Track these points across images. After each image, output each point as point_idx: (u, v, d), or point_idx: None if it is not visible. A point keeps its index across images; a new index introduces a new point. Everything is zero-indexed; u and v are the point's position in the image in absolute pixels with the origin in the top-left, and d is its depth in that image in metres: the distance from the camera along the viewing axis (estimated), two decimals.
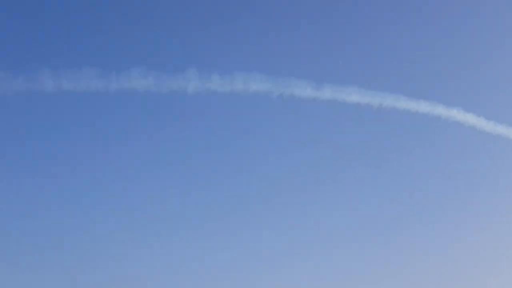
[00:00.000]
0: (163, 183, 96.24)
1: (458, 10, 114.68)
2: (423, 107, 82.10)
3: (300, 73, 77.24)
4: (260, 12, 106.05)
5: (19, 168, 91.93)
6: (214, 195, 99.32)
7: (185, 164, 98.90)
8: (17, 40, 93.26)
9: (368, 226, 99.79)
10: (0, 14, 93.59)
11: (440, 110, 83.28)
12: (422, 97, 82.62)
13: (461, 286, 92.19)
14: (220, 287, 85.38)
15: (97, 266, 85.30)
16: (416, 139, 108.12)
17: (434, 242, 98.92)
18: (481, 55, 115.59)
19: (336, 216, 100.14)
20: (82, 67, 73.31)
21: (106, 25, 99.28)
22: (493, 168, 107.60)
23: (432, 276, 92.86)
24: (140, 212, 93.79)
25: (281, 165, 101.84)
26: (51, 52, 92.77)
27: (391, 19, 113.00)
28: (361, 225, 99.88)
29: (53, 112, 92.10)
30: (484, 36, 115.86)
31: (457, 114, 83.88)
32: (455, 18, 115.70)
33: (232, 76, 72.05)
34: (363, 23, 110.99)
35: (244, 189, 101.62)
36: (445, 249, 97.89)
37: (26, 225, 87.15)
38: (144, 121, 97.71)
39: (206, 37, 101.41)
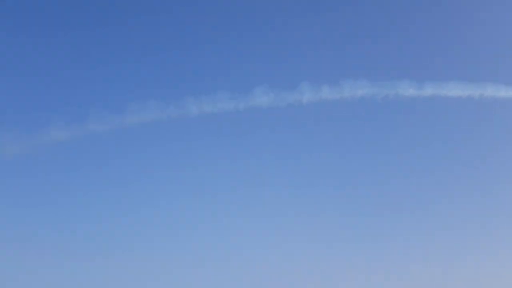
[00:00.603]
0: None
1: None
2: None
3: (401, 74, 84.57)
4: (354, 23, 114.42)
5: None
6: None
7: (310, 168, 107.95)
8: (166, 73, 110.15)
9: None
10: (152, 52, 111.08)
11: None
12: None
13: None
14: None
15: None
16: None
17: None
18: None
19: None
20: (216, 91, 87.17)
21: (232, 53, 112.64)
22: None
23: None
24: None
25: (401, 162, 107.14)
26: (194, 81, 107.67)
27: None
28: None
29: (196, 134, 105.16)
30: None
31: None
32: None
33: (340, 85, 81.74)
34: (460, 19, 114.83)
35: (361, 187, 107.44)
36: None
37: None
38: (266, 134, 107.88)
39: (312, 53, 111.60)
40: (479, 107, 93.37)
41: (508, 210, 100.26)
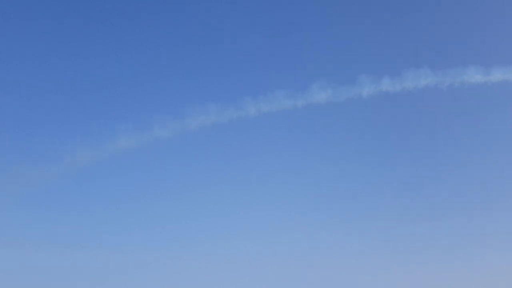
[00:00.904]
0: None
1: None
2: None
3: (466, 60, 79.86)
4: (413, 12, 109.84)
5: None
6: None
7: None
8: (223, 75, 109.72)
9: None
10: (208, 55, 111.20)
11: None
12: None
13: None
14: None
15: None
16: None
17: None
18: None
19: None
20: (273, 90, 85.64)
21: (288, 50, 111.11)
22: None
23: None
24: None
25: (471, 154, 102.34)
26: (250, 80, 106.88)
27: None
28: None
29: (255, 134, 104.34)
30: None
31: None
32: None
33: (401, 75, 78.12)
34: None
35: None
36: None
37: None
38: (326, 131, 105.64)
39: (369, 44, 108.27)
40: None
41: None
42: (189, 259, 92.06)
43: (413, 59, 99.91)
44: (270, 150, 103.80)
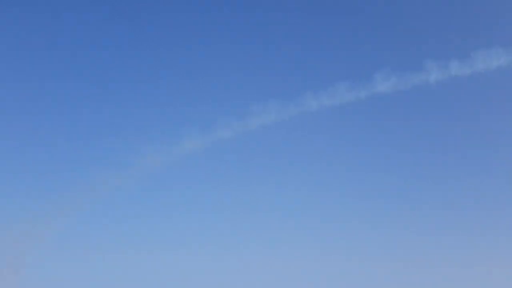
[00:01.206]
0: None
1: None
2: None
3: None
4: None
5: None
6: None
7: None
8: (283, 70, 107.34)
9: None
10: (266, 51, 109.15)
11: None
12: None
13: None
14: None
15: None
16: None
17: None
18: None
19: None
20: (334, 83, 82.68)
21: (348, 39, 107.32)
22: None
23: None
24: None
25: None
26: (310, 74, 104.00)
27: None
28: None
29: (318, 129, 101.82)
30: None
31: None
32: None
33: (470, 57, 73.10)
34: None
35: None
36: None
37: None
38: (392, 121, 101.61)
39: (434, 27, 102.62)
40: None
41: None
42: (270, 257, 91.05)
43: (482, 39, 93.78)
44: (334, 145, 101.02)
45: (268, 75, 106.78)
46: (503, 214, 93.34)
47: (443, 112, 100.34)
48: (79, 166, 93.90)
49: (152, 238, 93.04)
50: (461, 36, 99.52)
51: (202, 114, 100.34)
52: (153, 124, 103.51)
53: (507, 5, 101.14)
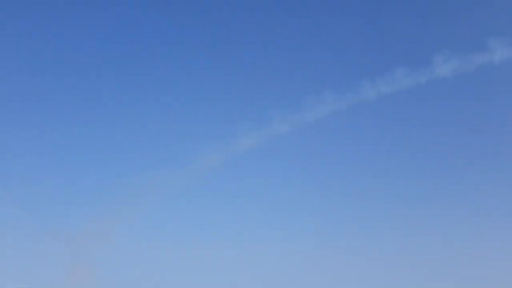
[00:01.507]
0: None
1: None
2: None
3: None
4: None
5: None
6: None
7: None
8: (338, 59, 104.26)
9: None
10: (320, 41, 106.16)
11: None
12: None
13: None
14: None
15: None
16: None
17: None
18: None
19: None
20: (391, 68, 79.37)
21: (404, 21, 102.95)
22: None
23: None
24: None
25: None
26: (366, 61, 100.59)
27: None
28: None
29: (376, 119, 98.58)
30: None
31: None
32: None
33: None
34: None
35: None
36: None
37: None
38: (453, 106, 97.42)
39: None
40: None
41: None
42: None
43: None
44: (393, 133, 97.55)
45: (322, 65, 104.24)
46: None
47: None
48: (143, 167, 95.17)
49: (214, 234, 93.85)
50: None
51: (257, 109, 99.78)
52: (209, 122, 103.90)
53: None
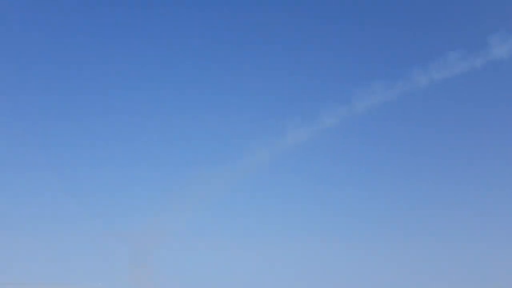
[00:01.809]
0: None
1: None
2: None
3: None
4: None
5: None
6: None
7: None
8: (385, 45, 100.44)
9: None
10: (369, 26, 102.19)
11: None
12: None
13: None
14: None
15: None
16: None
17: None
18: None
19: None
20: (444, 53, 75.80)
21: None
22: None
23: None
24: None
25: None
26: (416, 46, 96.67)
27: None
28: None
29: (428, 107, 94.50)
30: None
31: None
32: None
33: None
34: None
35: None
36: None
37: None
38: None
39: None
40: None
41: None
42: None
43: None
44: (447, 121, 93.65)
45: (371, 52, 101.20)
46: None
47: None
48: (195, 165, 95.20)
49: (267, 231, 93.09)
50: None
51: (305, 103, 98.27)
52: (256, 118, 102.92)
53: None
